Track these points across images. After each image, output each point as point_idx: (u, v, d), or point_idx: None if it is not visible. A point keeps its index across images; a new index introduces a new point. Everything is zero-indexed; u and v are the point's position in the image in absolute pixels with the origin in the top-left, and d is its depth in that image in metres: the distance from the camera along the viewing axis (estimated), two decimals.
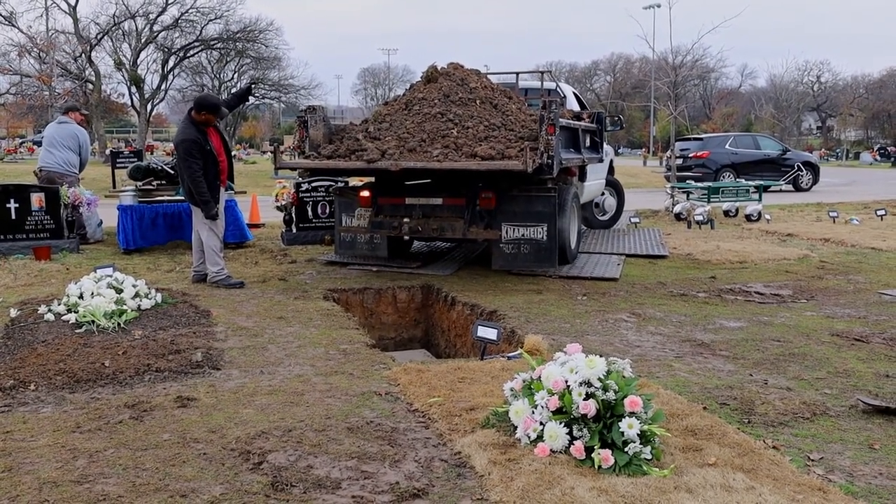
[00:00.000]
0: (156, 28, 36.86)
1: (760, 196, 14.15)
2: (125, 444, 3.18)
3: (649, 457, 2.85)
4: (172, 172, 9.45)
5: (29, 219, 8.61)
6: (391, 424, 3.41)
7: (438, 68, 7.80)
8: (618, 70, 69.14)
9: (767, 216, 12.40)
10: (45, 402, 3.73)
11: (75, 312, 5.12)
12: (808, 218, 12.96)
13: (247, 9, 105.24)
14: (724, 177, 19.40)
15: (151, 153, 26.59)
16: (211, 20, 38.01)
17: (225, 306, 5.90)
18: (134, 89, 37.77)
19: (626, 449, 2.83)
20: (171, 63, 39.27)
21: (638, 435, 2.85)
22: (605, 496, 2.60)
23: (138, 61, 37.32)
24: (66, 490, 2.76)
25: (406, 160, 6.53)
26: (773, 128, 51.09)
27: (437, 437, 3.25)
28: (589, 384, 2.96)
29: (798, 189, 20.67)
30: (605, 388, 2.95)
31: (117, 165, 16.75)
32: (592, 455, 2.84)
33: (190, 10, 36.75)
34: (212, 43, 40.09)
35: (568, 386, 2.99)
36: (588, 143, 8.77)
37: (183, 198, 7.91)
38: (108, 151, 25.66)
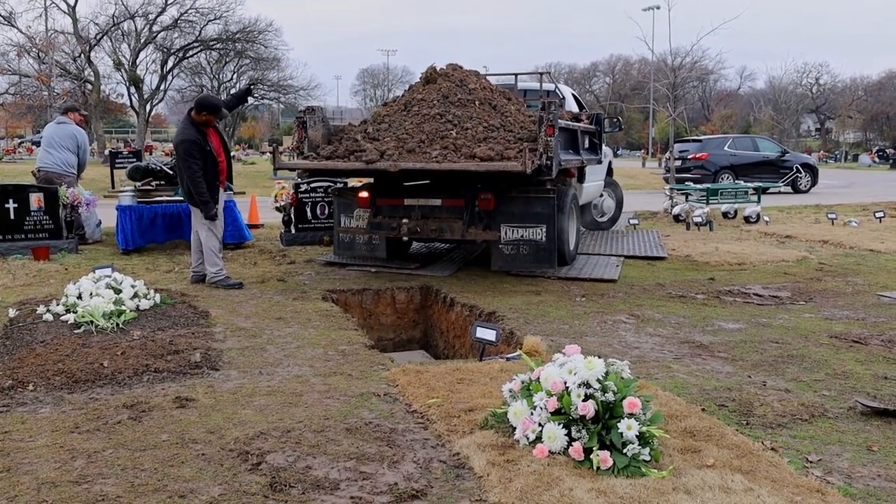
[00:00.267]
0: (155, 28, 36.88)
1: (759, 198, 14.17)
2: (124, 445, 3.18)
3: (648, 458, 2.85)
4: (171, 173, 9.45)
5: (28, 219, 8.61)
6: (390, 425, 3.41)
7: (437, 69, 7.79)
8: (617, 71, 69.19)
9: (766, 218, 12.41)
10: (44, 403, 3.73)
11: (74, 313, 5.12)
12: (807, 220, 12.97)
13: (246, 9, 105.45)
14: (722, 178, 19.42)
15: (150, 153, 26.57)
16: (210, 21, 38.05)
17: (224, 307, 5.90)
18: (133, 90, 37.77)
19: (624, 450, 2.83)
20: (170, 63, 39.27)
21: (637, 436, 2.85)
22: (603, 497, 2.60)
23: (137, 61, 37.35)
24: (65, 490, 2.76)
25: (405, 161, 6.53)
26: (772, 130, 51.12)
27: (435, 438, 3.25)
28: (588, 385, 2.96)
29: (797, 191, 20.69)
30: (604, 390, 2.95)
31: (116, 166, 16.80)
32: (591, 456, 2.84)
33: (189, 11, 36.80)
34: (211, 43, 40.08)
35: (567, 387, 2.99)
36: (587, 144, 8.78)
37: (182, 198, 7.91)
38: (107, 152, 25.66)
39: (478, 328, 4.47)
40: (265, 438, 3.23)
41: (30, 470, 2.94)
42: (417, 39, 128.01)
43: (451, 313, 6.36)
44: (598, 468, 2.80)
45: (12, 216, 8.55)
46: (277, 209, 10.00)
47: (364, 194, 7.41)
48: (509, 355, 4.48)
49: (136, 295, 5.53)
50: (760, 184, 15.44)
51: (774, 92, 59.22)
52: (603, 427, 2.92)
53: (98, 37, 35.66)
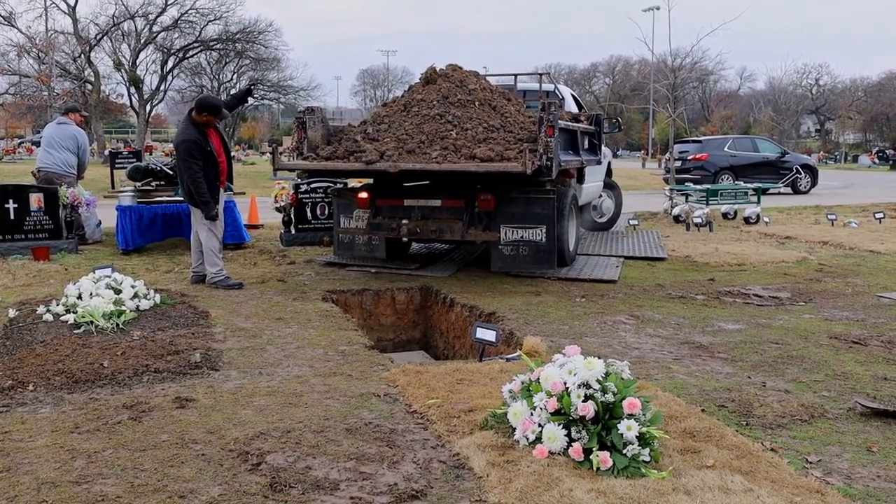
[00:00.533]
0: (155, 29, 36.86)
1: (759, 199, 14.17)
2: (124, 445, 3.18)
3: (648, 459, 2.85)
4: (171, 173, 9.45)
5: (28, 219, 8.61)
6: (390, 426, 3.41)
7: (437, 70, 7.79)
8: (617, 72, 69.20)
9: (766, 219, 12.41)
10: (44, 403, 3.73)
11: (74, 313, 5.12)
12: (807, 221, 12.98)
13: (246, 10, 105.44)
14: (722, 179, 19.43)
15: (150, 154, 26.56)
16: (210, 21, 38.03)
17: (224, 307, 5.90)
18: (133, 90, 37.75)
19: (624, 451, 2.83)
20: (170, 64, 39.26)
21: (636, 437, 2.85)
22: (603, 498, 2.60)
23: (137, 62, 37.33)
24: (65, 490, 2.76)
25: (405, 162, 6.53)
26: (772, 130, 51.13)
27: (435, 439, 3.25)
28: (587, 386, 2.96)
29: (796, 192, 20.69)
30: (604, 390, 2.95)
31: (116, 166, 16.78)
32: (591, 457, 2.84)
33: (189, 11, 36.77)
34: (211, 44, 40.06)
35: (566, 388, 2.99)
36: (586, 145, 8.78)
37: (182, 198, 7.91)
38: (106, 152, 25.65)
39: (478, 329, 4.47)
40: (265, 439, 3.23)
41: (30, 470, 2.94)
42: (417, 40, 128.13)
43: (451, 314, 6.36)
44: (598, 469, 2.80)
45: (12, 216, 8.55)
46: (277, 209, 10.00)
47: (363, 195, 7.41)
48: (509, 356, 4.48)
49: (136, 295, 5.53)
50: (760, 185, 15.44)
51: (774, 93, 59.24)
52: (603, 428, 2.92)
53: (98, 37, 35.65)
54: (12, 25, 32.89)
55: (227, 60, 44.00)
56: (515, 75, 9.76)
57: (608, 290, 6.83)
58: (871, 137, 61.55)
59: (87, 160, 9.82)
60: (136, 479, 2.85)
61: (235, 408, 3.64)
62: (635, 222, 11.64)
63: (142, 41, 36.56)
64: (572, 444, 2.91)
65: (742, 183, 16.17)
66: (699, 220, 11.62)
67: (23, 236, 8.57)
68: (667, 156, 22.46)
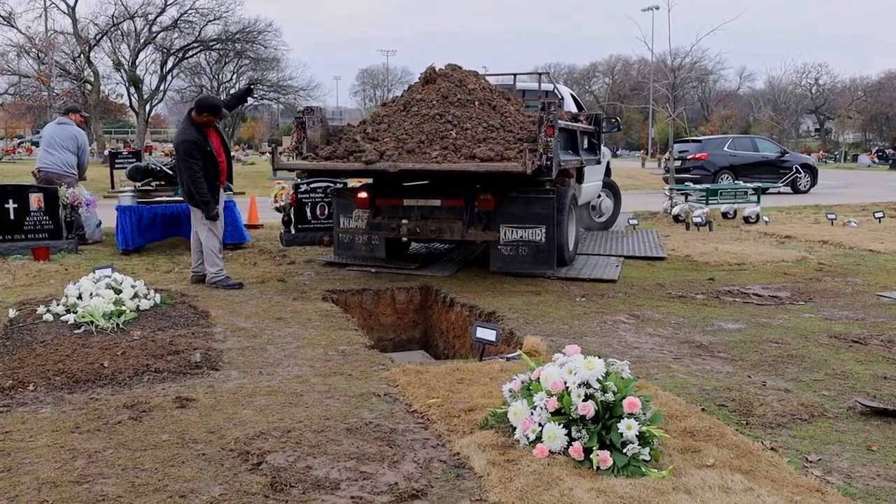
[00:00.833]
0: (154, 29, 36.87)
1: (759, 198, 14.18)
2: (124, 445, 3.18)
3: (648, 458, 2.85)
4: (171, 173, 9.45)
5: (28, 219, 8.61)
6: (390, 425, 3.41)
7: (436, 69, 7.79)
8: (616, 72, 69.21)
9: (766, 218, 12.41)
10: (44, 403, 3.73)
11: (74, 313, 5.12)
12: (807, 220, 12.98)
13: (245, 10, 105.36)
14: (722, 179, 19.42)
15: (150, 154, 26.56)
16: (210, 21, 38.05)
17: (224, 307, 5.90)
18: (132, 90, 37.75)
19: (624, 450, 2.84)
20: (169, 64, 39.27)
21: (636, 436, 2.85)
22: (603, 497, 2.61)
23: (137, 62, 37.33)
24: (65, 490, 2.76)
25: (405, 161, 6.53)
26: (772, 130, 51.14)
27: (435, 438, 3.26)
28: (588, 385, 2.96)
29: (796, 191, 20.70)
30: (604, 390, 2.95)
31: (116, 166, 16.78)
32: (591, 456, 2.84)
33: (189, 11, 36.78)
34: (211, 44, 40.08)
35: (567, 387, 2.99)
36: (586, 144, 8.79)
37: (181, 198, 7.91)
38: (106, 152, 25.64)
39: (478, 328, 4.47)
40: (265, 438, 3.23)
41: (30, 470, 2.94)
42: (417, 40, 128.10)
43: (451, 313, 6.36)
44: (598, 468, 2.80)
45: (12, 216, 8.55)
46: (277, 209, 10.01)
47: (363, 195, 7.41)
48: (509, 355, 4.49)
49: (136, 295, 5.53)
50: (760, 184, 15.45)
51: (774, 92, 59.26)
52: (603, 427, 2.92)
53: (98, 37, 35.65)
54: (12, 25, 32.92)
55: (227, 60, 44.02)
56: (514, 75, 9.77)
57: (608, 289, 6.83)
58: (870, 137, 61.56)
59: (87, 160, 9.82)
60: (136, 479, 2.85)
61: (236, 407, 3.65)
62: (635, 222, 11.65)
63: (141, 41, 36.56)
64: (572, 443, 2.91)
65: (742, 182, 16.18)
66: (699, 220, 11.62)
67: (23, 236, 8.58)
68: (666, 155, 22.47)
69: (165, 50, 38.48)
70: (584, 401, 2.93)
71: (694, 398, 3.82)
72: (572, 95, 10.89)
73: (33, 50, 32.91)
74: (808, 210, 14.84)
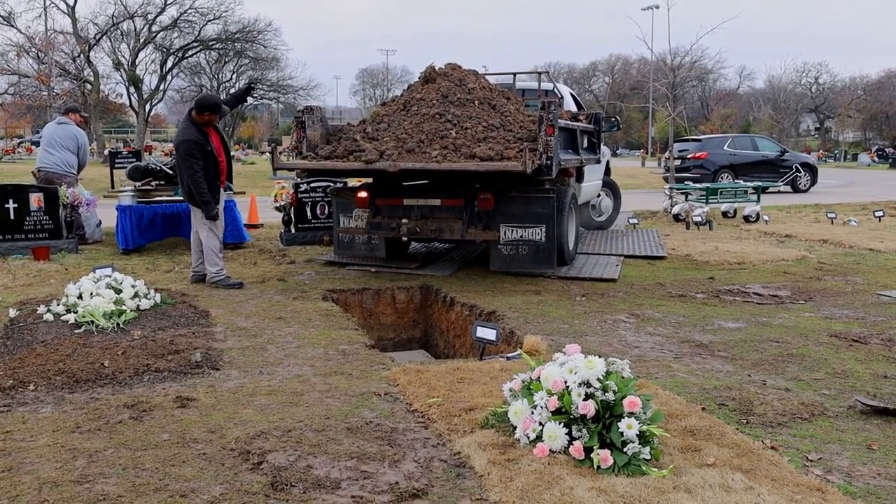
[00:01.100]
0: (154, 28, 36.86)
1: (759, 197, 14.18)
2: (125, 444, 3.18)
3: (648, 457, 2.85)
4: (171, 173, 9.45)
5: (28, 219, 8.61)
6: (390, 425, 3.42)
7: (436, 69, 7.79)
8: (616, 71, 69.19)
9: (766, 217, 12.42)
10: (45, 402, 3.73)
11: (74, 313, 5.12)
12: (807, 219, 12.98)
13: (245, 9, 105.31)
14: (722, 178, 19.42)
15: (150, 153, 26.57)
16: (209, 21, 38.06)
17: (224, 307, 5.90)
18: (132, 89, 37.75)
19: (625, 449, 2.84)
20: (169, 63, 39.26)
21: (637, 435, 2.85)
22: (604, 496, 2.61)
23: (137, 61, 37.33)
24: (66, 490, 2.76)
25: (405, 161, 6.53)
26: (772, 129, 51.13)
27: (436, 438, 3.26)
28: (588, 385, 2.97)
29: (796, 190, 20.70)
30: (605, 389, 2.96)
31: (116, 166, 16.80)
32: (591, 455, 2.84)
33: (189, 11, 36.79)
34: (210, 43, 40.08)
35: (567, 386, 3.00)
36: (586, 143, 8.79)
37: (182, 198, 7.91)
38: (106, 152, 25.65)
39: (478, 328, 4.47)
40: (266, 438, 3.24)
41: (31, 470, 2.94)
42: (417, 39, 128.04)
43: (452, 313, 6.36)
44: (599, 467, 2.80)
45: (12, 216, 8.56)
46: (277, 209, 10.01)
47: (363, 194, 7.41)
48: (509, 355, 4.49)
49: (136, 295, 5.53)
50: (760, 183, 15.45)
51: (774, 91, 59.23)
52: (603, 426, 2.92)
53: (97, 37, 35.65)
54: (11, 25, 32.92)
55: (227, 60, 44.03)
56: (514, 74, 9.76)
57: (608, 288, 6.83)
58: (870, 136, 61.56)
59: (86, 160, 9.83)
60: (137, 479, 2.85)
61: (236, 407, 3.65)
62: (635, 221, 11.65)
63: (141, 41, 36.56)
64: (573, 442, 2.91)
65: (742, 181, 16.17)
66: (699, 219, 11.62)
67: (23, 236, 8.58)
68: (666, 154, 22.46)
69: (165, 49, 38.48)
70: (584, 400, 2.93)
71: (694, 397, 3.82)
72: (572, 95, 10.88)
73: (33, 50, 32.91)
74: (808, 209, 14.84)
